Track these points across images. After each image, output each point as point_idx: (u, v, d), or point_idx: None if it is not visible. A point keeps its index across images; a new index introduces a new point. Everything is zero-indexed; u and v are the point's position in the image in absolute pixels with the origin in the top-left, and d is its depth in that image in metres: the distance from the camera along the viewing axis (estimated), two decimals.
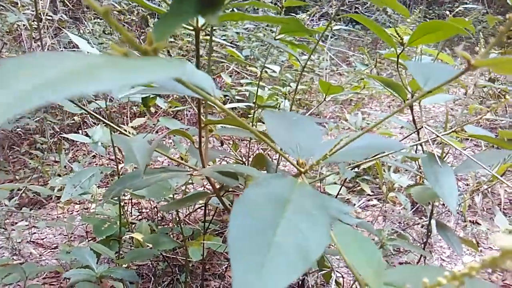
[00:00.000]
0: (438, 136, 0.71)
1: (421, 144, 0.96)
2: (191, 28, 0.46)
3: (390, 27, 1.05)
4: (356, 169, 1.55)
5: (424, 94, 0.32)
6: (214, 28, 0.76)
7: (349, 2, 5.32)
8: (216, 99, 0.28)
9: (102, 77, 0.12)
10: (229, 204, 1.18)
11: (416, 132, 0.95)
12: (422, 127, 0.76)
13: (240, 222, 0.27)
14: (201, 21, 0.47)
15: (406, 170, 1.92)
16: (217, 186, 0.77)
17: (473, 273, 0.18)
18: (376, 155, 0.74)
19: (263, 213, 0.29)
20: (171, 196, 1.22)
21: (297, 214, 0.30)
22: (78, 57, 0.13)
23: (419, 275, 0.25)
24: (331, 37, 3.38)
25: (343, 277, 1.04)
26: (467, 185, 1.90)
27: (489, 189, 1.78)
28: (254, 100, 1.12)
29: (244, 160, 1.05)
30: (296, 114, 0.48)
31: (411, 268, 0.28)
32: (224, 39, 2.74)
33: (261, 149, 1.43)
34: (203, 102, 0.65)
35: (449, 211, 1.68)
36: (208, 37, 0.73)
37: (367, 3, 5.76)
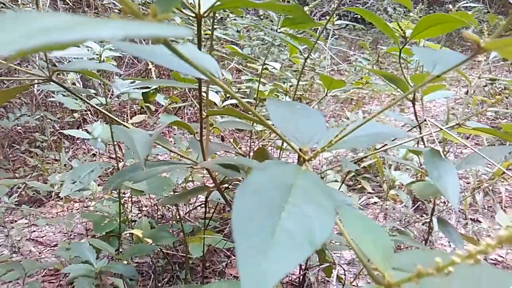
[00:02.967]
0: (441, 129, 0.71)
1: (422, 139, 0.95)
2: (193, 15, 0.46)
3: None
4: (357, 167, 1.54)
5: (433, 78, 0.31)
6: (214, 26, 0.75)
7: (350, 1, 5.33)
8: (220, 81, 0.28)
9: (108, 26, 0.11)
10: (230, 200, 1.17)
11: (418, 128, 0.94)
12: (424, 120, 0.75)
13: (244, 204, 0.26)
14: (203, 8, 0.47)
15: (407, 168, 1.91)
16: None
17: (489, 250, 0.18)
18: (380, 147, 0.74)
19: (268, 197, 0.28)
20: (171, 192, 1.21)
21: (302, 199, 0.29)
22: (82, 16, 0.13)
23: (427, 258, 0.25)
24: (331, 37, 3.38)
25: (345, 273, 1.03)
26: (468, 183, 1.89)
27: (490, 187, 1.77)
28: (255, 96, 1.12)
29: (245, 155, 1.04)
30: (299, 103, 0.47)
31: (419, 253, 0.27)
32: (224, 39, 2.74)
33: (262, 145, 1.42)
34: (204, 98, 0.65)
35: (450, 209, 1.67)
36: (209, 32, 0.73)
37: (367, 2, 5.76)
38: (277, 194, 0.29)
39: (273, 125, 0.42)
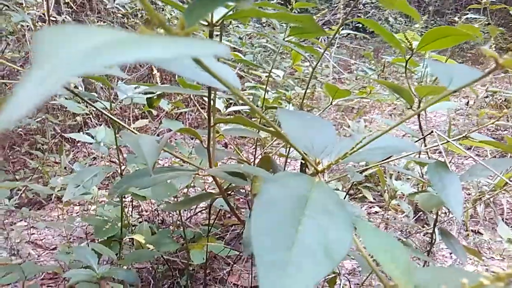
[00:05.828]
0: (448, 141, 0.71)
1: (426, 151, 0.95)
2: (206, 24, 0.46)
3: None
4: (363, 177, 1.54)
5: (450, 93, 0.31)
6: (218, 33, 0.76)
7: (352, 11, 5.35)
8: (240, 92, 0.28)
9: (155, 46, 0.11)
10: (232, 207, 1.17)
11: (423, 139, 0.94)
12: (432, 131, 0.75)
13: (262, 218, 0.26)
14: (215, 17, 0.47)
15: (408, 178, 1.91)
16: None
17: None
18: (385, 158, 0.74)
19: (284, 210, 0.28)
20: (173, 198, 1.21)
21: (318, 212, 0.29)
22: (122, 30, 0.12)
23: (448, 276, 0.24)
24: (334, 46, 3.39)
25: (349, 283, 1.03)
26: (469, 194, 1.89)
27: (491, 199, 1.77)
28: (259, 103, 1.12)
29: (249, 163, 1.04)
30: (309, 113, 0.47)
31: (439, 270, 0.27)
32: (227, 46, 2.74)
33: (266, 152, 1.42)
34: (212, 99, 0.65)
35: (450, 220, 1.67)
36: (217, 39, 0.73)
37: (369, 12, 5.80)
38: (293, 207, 0.29)
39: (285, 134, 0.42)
